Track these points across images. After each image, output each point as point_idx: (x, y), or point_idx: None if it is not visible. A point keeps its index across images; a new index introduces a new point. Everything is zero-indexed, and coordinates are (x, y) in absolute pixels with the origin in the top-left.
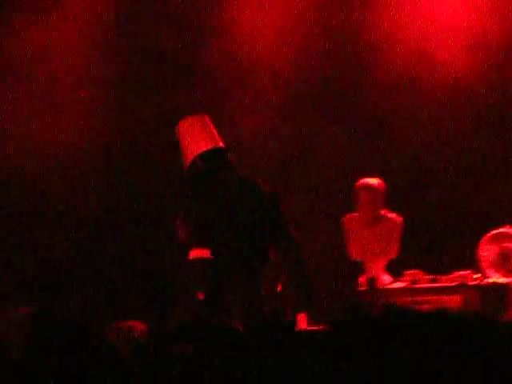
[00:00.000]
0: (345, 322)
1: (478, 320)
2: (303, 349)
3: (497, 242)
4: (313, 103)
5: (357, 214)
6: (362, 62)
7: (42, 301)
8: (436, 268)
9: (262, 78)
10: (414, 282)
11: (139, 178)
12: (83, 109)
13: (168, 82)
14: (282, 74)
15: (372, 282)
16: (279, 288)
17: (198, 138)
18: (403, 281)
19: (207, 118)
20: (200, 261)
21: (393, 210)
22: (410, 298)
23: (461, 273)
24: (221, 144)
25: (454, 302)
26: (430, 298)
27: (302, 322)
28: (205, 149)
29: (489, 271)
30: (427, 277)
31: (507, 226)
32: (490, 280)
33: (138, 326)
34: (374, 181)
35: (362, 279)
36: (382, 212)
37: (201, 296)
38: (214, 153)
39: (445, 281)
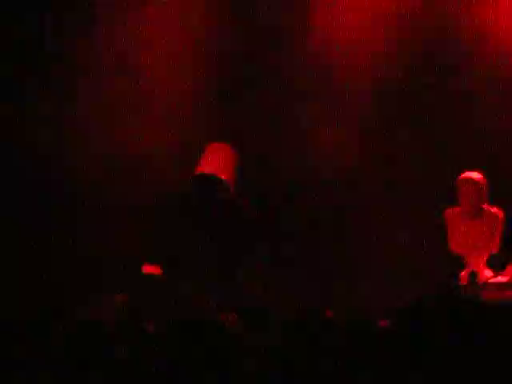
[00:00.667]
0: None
1: None
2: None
3: None
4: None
5: (458, 208)
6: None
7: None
8: None
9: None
10: None
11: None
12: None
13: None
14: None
15: (473, 276)
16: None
17: (203, 161)
18: (505, 275)
19: (229, 149)
20: (150, 278)
21: (494, 205)
22: (511, 293)
23: None
24: (210, 172)
25: None
26: None
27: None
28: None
29: None
30: None
31: None
32: None
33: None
34: (475, 175)
35: (463, 273)
36: (484, 206)
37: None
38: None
39: None
